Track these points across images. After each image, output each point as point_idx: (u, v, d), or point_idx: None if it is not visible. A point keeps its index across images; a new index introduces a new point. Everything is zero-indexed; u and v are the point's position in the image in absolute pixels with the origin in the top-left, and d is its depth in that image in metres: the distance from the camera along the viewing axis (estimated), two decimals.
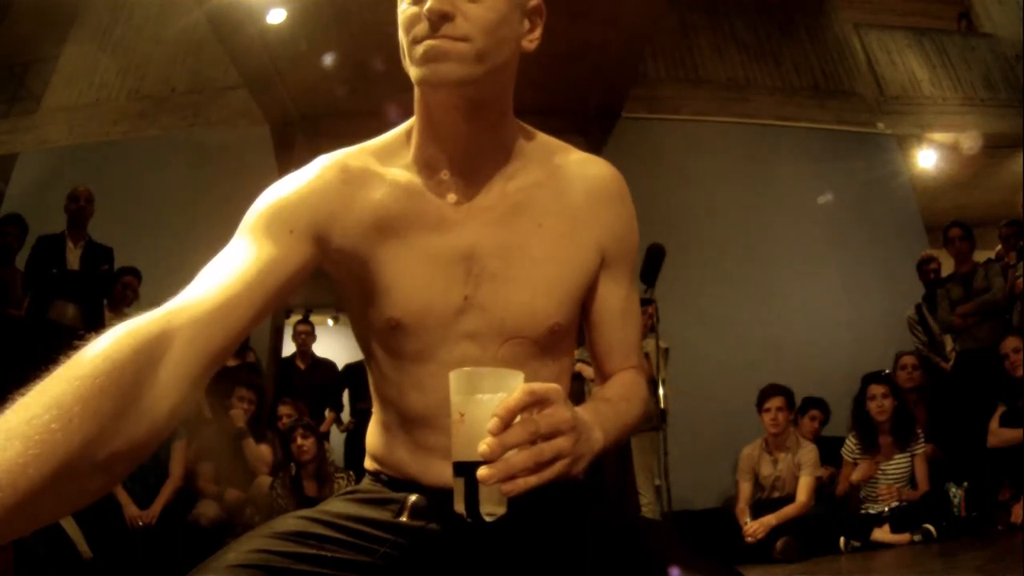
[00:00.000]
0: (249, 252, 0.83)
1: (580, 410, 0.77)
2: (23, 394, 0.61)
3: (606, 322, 0.99)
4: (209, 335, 0.74)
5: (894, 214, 6.59)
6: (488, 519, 0.71)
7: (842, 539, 3.78)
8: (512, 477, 0.67)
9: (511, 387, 0.71)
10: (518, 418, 0.69)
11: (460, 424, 0.71)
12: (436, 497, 0.91)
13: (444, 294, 0.90)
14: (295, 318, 6.31)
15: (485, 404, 0.70)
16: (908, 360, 4.69)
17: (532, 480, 0.68)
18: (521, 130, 0.98)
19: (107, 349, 0.65)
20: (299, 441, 3.77)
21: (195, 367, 0.72)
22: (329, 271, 0.93)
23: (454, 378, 0.73)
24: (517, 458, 0.67)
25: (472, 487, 0.70)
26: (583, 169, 0.98)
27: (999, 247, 5.06)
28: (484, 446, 0.67)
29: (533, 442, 0.69)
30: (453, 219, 0.92)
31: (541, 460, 0.69)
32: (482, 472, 0.67)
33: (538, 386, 0.70)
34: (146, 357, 0.68)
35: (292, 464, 3.80)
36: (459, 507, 0.71)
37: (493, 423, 0.67)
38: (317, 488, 3.73)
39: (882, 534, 3.77)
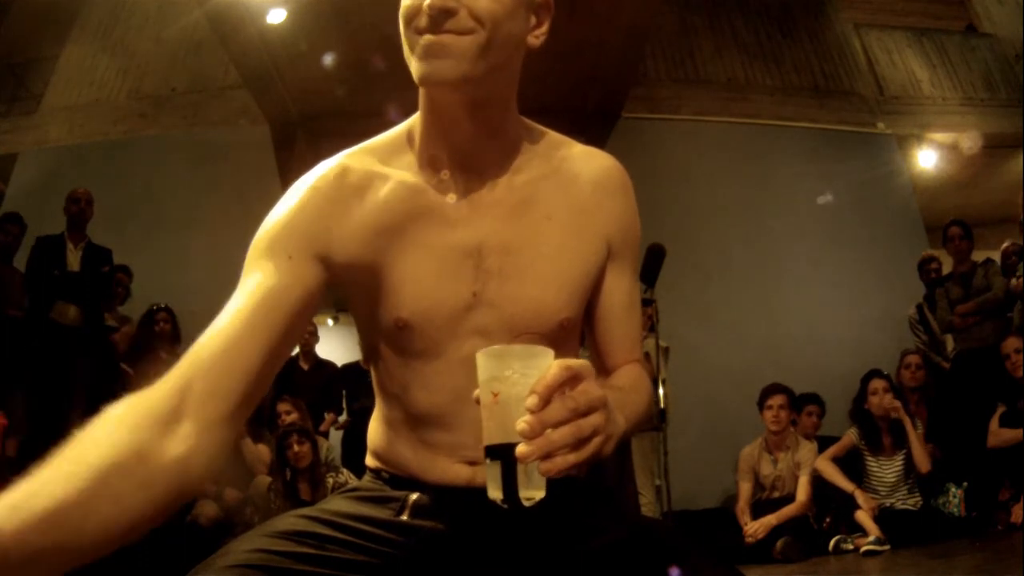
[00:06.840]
0: (251, 289, 0.83)
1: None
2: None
3: (611, 316, 0.98)
4: (215, 380, 0.76)
5: (894, 214, 6.59)
6: (527, 503, 0.67)
7: (833, 540, 3.80)
8: (549, 456, 0.65)
9: (543, 364, 0.68)
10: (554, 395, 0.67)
11: (493, 405, 0.68)
12: (438, 495, 0.91)
13: (453, 292, 0.89)
14: None
15: (520, 382, 0.67)
16: (913, 359, 4.68)
17: (571, 458, 0.66)
18: (523, 125, 0.98)
19: (117, 415, 0.71)
20: (295, 448, 3.72)
21: (208, 413, 0.75)
22: (334, 279, 0.93)
23: (483, 358, 0.69)
24: (556, 435, 0.65)
25: (510, 470, 0.66)
26: (587, 161, 0.98)
27: (1006, 244, 5.03)
28: (523, 424, 0.64)
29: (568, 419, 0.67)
30: (459, 216, 0.91)
31: (581, 436, 0.67)
32: (522, 449, 0.64)
33: (573, 362, 0.68)
34: (158, 419, 0.72)
35: (288, 469, 3.77)
36: (494, 494, 0.68)
37: (532, 400, 0.65)
38: (311, 492, 3.71)
39: (863, 517, 3.81)
